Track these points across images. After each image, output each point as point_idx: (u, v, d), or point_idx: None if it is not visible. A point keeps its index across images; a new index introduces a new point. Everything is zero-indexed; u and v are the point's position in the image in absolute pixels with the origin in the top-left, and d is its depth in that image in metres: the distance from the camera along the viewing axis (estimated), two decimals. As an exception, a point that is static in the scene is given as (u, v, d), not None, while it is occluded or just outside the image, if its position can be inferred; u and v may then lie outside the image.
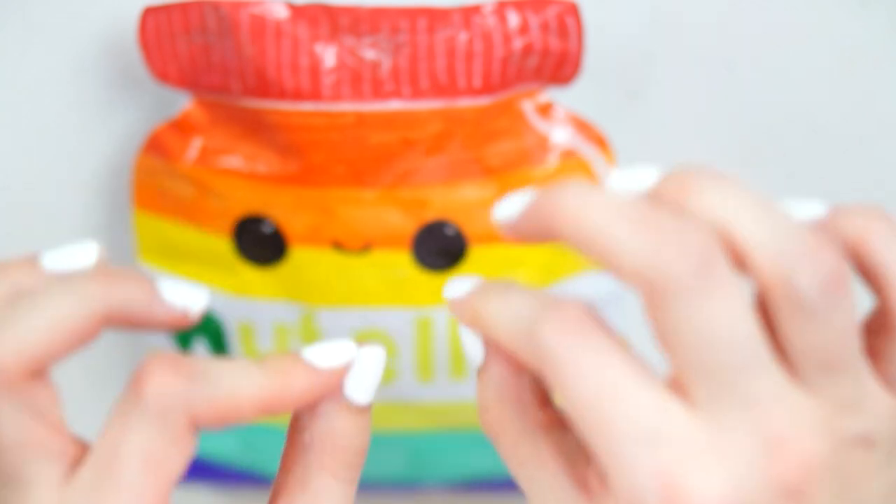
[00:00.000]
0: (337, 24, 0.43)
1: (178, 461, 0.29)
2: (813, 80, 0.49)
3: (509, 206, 0.30)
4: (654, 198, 0.28)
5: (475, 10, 0.43)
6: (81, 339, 0.30)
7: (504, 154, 0.46)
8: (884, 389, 0.28)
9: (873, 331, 0.29)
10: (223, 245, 0.47)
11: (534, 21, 0.43)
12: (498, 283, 0.30)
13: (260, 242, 0.47)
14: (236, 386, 0.30)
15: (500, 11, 0.43)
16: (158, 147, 0.47)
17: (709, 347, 0.26)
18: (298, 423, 0.33)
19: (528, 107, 0.45)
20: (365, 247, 0.47)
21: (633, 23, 0.48)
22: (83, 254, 0.32)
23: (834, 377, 0.27)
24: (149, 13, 0.44)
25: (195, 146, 0.46)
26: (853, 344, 0.27)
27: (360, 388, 0.32)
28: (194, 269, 0.48)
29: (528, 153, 0.46)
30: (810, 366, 0.27)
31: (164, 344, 0.50)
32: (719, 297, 0.26)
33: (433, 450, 0.51)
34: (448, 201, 0.46)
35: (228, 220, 0.47)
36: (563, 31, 0.43)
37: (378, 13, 0.43)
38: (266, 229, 0.47)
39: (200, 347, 0.49)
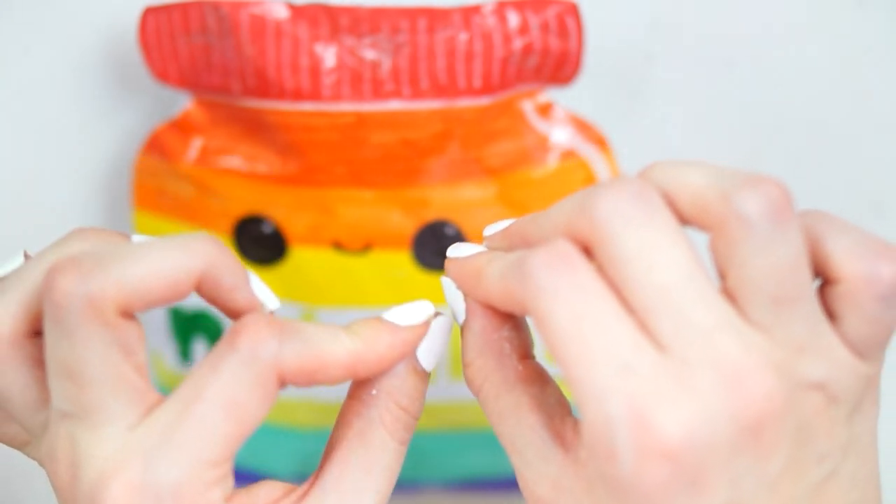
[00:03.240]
0: (337, 24, 0.43)
1: (260, 410, 0.30)
2: (812, 80, 0.49)
3: None
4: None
5: (475, 10, 0.43)
6: (177, 291, 0.31)
7: (504, 154, 0.46)
8: (843, 344, 0.29)
9: (825, 297, 0.30)
10: (223, 245, 0.47)
11: (534, 21, 0.43)
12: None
13: (260, 242, 0.47)
14: (325, 346, 0.31)
15: (500, 11, 0.43)
16: (158, 147, 0.47)
17: (662, 289, 0.27)
18: (366, 380, 0.33)
19: (528, 107, 0.45)
20: (365, 247, 0.47)
21: (633, 23, 0.48)
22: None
23: (786, 315, 0.28)
24: (149, 13, 0.44)
25: (195, 146, 0.46)
26: (803, 280, 0.28)
27: (431, 352, 0.33)
28: (194, 269, 0.48)
29: (528, 153, 0.46)
30: (762, 302, 0.28)
31: (164, 343, 0.50)
32: (659, 235, 0.28)
33: (433, 450, 0.51)
34: (448, 201, 0.46)
35: (228, 220, 0.47)
36: (563, 32, 0.43)
37: (378, 13, 0.43)
38: (266, 229, 0.47)
39: (200, 347, 0.49)
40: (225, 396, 0.30)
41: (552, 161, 0.46)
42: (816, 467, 0.29)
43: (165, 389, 0.51)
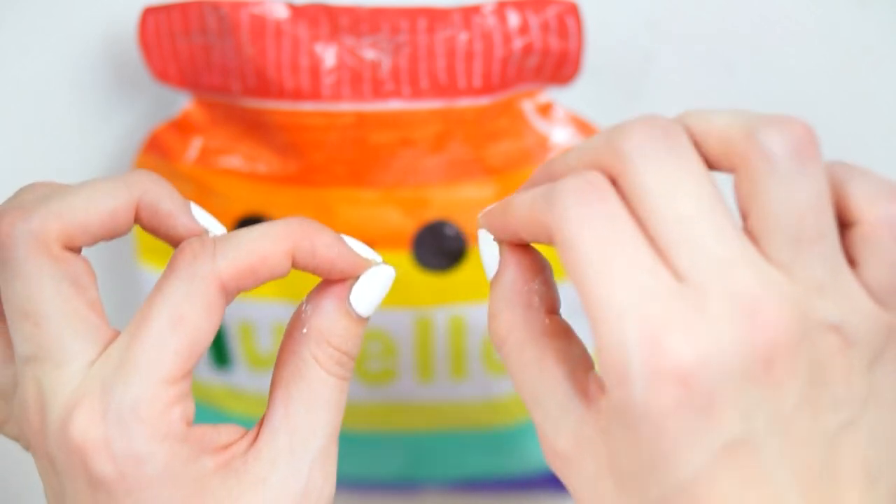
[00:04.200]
0: (337, 24, 0.43)
1: (206, 322, 0.31)
2: (812, 80, 0.49)
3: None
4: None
5: (475, 10, 0.43)
6: (117, 221, 0.32)
7: (504, 154, 0.46)
8: (862, 289, 0.29)
9: (846, 242, 0.30)
10: (223, 245, 0.47)
11: (534, 21, 0.43)
12: None
13: (260, 242, 0.47)
14: (259, 242, 0.32)
15: (500, 11, 0.43)
16: (158, 147, 0.47)
17: (682, 221, 0.28)
18: (299, 319, 0.34)
19: (528, 107, 0.46)
20: (365, 247, 0.47)
21: (633, 22, 0.48)
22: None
23: (806, 255, 0.28)
24: (149, 13, 0.44)
25: (195, 146, 0.46)
26: (825, 220, 0.28)
27: (364, 299, 0.34)
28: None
29: (529, 153, 0.46)
30: (782, 240, 0.28)
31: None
32: (682, 170, 0.28)
33: (433, 450, 0.51)
34: (448, 201, 0.46)
35: (228, 220, 0.47)
36: (563, 31, 0.43)
37: (378, 13, 0.43)
38: (266, 229, 0.47)
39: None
40: (169, 313, 0.31)
41: (552, 161, 0.46)
42: (832, 412, 0.29)
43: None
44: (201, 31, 0.43)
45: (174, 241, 0.34)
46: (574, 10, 0.43)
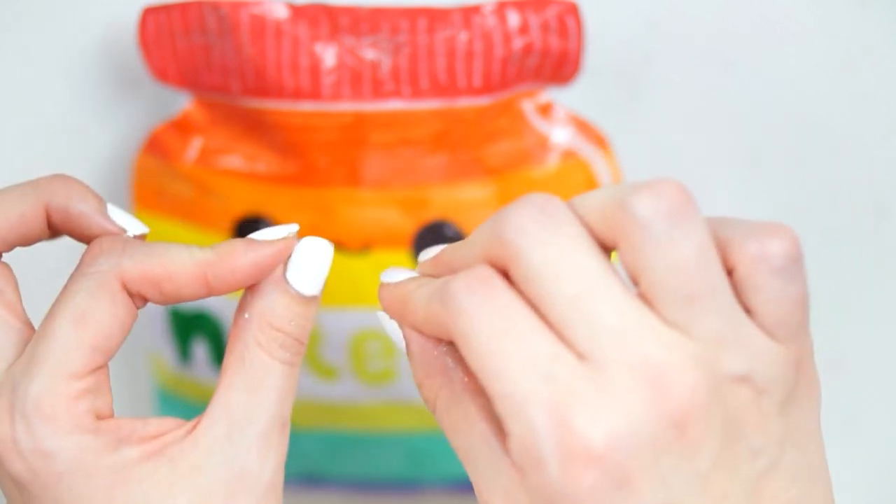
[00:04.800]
0: (337, 24, 0.43)
1: (109, 317, 0.31)
2: (812, 79, 0.49)
3: None
4: None
5: (475, 10, 0.43)
6: (29, 226, 0.33)
7: (504, 154, 0.46)
8: (762, 333, 0.29)
9: (736, 292, 0.29)
10: (223, 245, 0.47)
11: (534, 21, 0.43)
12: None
13: (260, 242, 0.47)
14: (171, 256, 0.32)
15: (500, 11, 0.43)
16: (158, 147, 0.47)
17: (572, 298, 0.28)
18: (241, 305, 0.34)
19: (528, 107, 0.45)
20: (365, 247, 0.46)
21: (633, 23, 0.48)
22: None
23: (700, 311, 0.28)
24: (148, 13, 0.44)
25: (195, 146, 0.46)
26: (712, 274, 0.28)
27: (301, 275, 0.34)
28: (194, 269, 0.48)
29: (528, 153, 0.46)
30: (674, 300, 0.28)
31: (163, 344, 0.50)
32: (564, 246, 0.28)
33: (433, 450, 0.51)
34: (448, 201, 0.46)
35: (228, 220, 0.47)
36: (563, 31, 0.43)
37: (378, 13, 0.43)
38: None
39: (200, 347, 0.49)
40: (72, 310, 0.31)
41: (552, 161, 0.46)
42: (751, 462, 0.29)
43: (166, 390, 0.51)
44: (201, 30, 0.43)
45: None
46: (574, 10, 0.43)
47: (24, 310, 0.33)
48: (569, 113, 0.46)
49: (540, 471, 0.27)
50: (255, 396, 0.33)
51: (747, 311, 0.29)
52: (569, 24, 0.43)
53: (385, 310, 0.33)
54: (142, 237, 0.34)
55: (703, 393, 0.27)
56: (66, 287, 0.32)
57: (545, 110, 0.46)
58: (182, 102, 0.46)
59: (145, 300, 0.32)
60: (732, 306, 0.28)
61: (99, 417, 0.31)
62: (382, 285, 0.34)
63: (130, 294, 0.32)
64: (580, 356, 0.28)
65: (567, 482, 0.27)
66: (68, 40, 0.48)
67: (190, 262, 0.32)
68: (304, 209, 0.46)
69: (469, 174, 0.46)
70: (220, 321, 0.49)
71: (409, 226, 0.46)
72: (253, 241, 0.33)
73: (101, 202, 0.34)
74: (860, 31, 0.48)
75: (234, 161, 0.46)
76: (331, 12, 0.43)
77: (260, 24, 0.43)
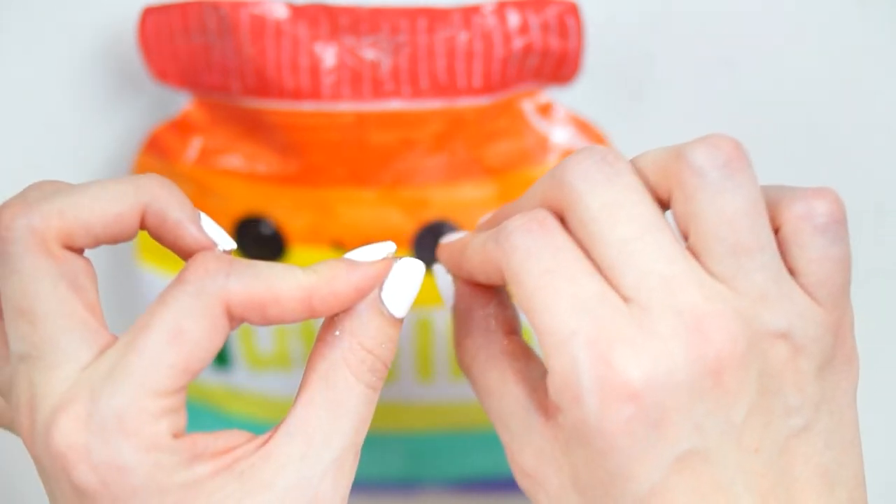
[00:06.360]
0: (337, 24, 0.43)
1: (207, 341, 0.30)
2: (812, 79, 0.49)
3: None
4: None
5: (475, 10, 0.43)
6: (121, 224, 0.31)
7: (504, 154, 0.46)
8: (804, 294, 0.30)
9: (781, 252, 0.30)
10: (223, 245, 0.47)
11: (534, 21, 0.43)
12: None
13: (260, 242, 0.47)
14: (277, 280, 0.31)
15: (500, 11, 0.43)
16: (158, 147, 0.47)
17: (624, 243, 0.29)
18: (332, 322, 0.33)
19: (528, 107, 0.45)
20: (365, 247, 0.47)
21: (634, 23, 0.48)
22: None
23: (746, 265, 0.29)
24: (148, 13, 0.44)
25: (195, 146, 0.46)
26: (760, 229, 0.29)
27: (395, 297, 0.33)
28: (194, 269, 0.48)
29: (529, 153, 0.46)
30: (721, 252, 0.29)
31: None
32: (621, 194, 0.29)
33: (433, 450, 0.51)
34: (448, 201, 0.46)
35: (228, 220, 0.47)
36: (563, 31, 0.43)
37: (378, 13, 0.43)
38: (266, 229, 0.47)
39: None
40: (169, 326, 0.29)
41: (552, 161, 0.46)
42: (785, 419, 0.29)
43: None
44: (201, 30, 0.43)
45: (180, 251, 0.33)
46: (574, 10, 0.43)
47: (102, 311, 0.31)
48: (569, 113, 0.46)
49: (578, 406, 0.28)
50: (334, 418, 0.32)
51: (791, 271, 0.30)
52: (569, 24, 0.43)
53: (444, 262, 0.34)
54: (230, 252, 0.33)
55: (741, 344, 0.28)
56: (162, 299, 0.30)
57: (545, 110, 0.46)
58: (182, 102, 0.46)
59: (242, 322, 0.31)
60: (777, 263, 0.29)
61: (176, 436, 0.30)
62: (442, 244, 0.35)
63: (232, 317, 0.30)
64: (626, 299, 0.28)
65: (603, 417, 0.28)
66: (68, 40, 0.48)
67: (296, 287, 0.31)
68: (304, 209, 0.46)
69: (469, 174, 0.46)
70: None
71: (409, 226, 0.46)
72: (353, 262, 0.32)
73: (196, 212, 0.33)
74: (860, 31, 0.48)
75: (234, 161, 0.46)
76: (331, 12, 0.43)
77: (260, 24, 0.43)
